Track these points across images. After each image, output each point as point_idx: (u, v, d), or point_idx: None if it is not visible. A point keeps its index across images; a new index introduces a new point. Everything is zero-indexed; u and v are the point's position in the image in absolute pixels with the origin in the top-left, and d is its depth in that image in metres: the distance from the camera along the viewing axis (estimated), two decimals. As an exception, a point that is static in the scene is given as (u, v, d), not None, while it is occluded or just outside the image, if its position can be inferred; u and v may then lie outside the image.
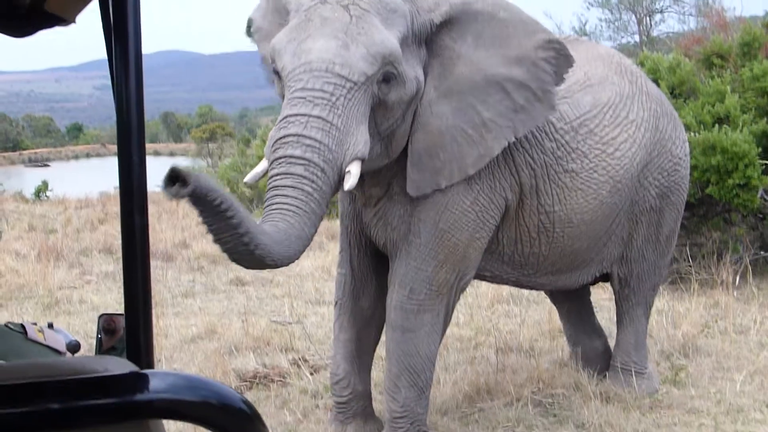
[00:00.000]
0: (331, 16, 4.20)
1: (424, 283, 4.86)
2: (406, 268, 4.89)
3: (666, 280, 9.31)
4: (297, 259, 3.97)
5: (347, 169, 4.11)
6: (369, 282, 5.35)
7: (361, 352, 5.38)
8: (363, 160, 4.17)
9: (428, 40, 4.52)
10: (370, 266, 5.33)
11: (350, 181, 4.11)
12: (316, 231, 4.05)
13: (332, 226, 13.89)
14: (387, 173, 4.74)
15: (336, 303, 5.42)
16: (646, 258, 5.82)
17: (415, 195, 4.66)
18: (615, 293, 6.10)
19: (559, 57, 4.67)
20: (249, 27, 5.23)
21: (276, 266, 3.92)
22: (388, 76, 4.21)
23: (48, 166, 61.24)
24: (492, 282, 5.76)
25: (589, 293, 6.60)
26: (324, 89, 4.07)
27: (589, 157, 5.17)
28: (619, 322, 6.17)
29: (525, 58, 4.60)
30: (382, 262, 5.25)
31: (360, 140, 4.12)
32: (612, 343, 6.43)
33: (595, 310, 6.73)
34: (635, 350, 6.09)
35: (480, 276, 5.41)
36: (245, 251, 3.69)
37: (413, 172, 4.60)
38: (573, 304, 6.44)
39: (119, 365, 1.38)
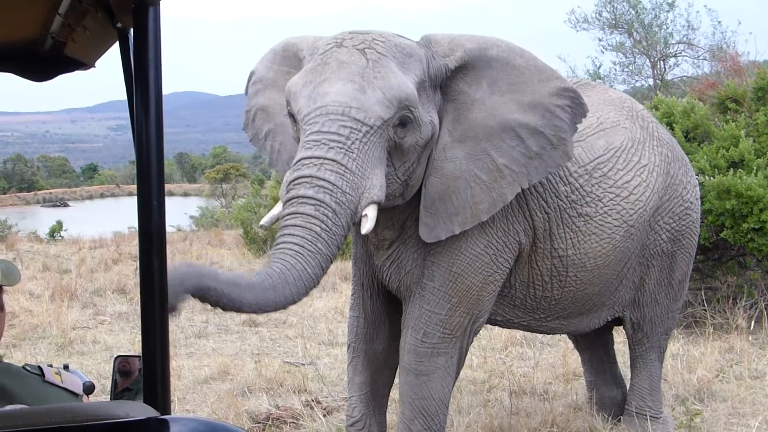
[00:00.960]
0: (347, 60, 4.21)
1: (437, 326, 4.84)
2: (419, 312, 4.87)
3: (681, 324, 9.26)
4: (298, 299, 3.86)
5: (364, 213, 4.10)
6: (382, 325, 5.33)
7: (376, 394, 5.36)
8: (379, 204, 4.17)
9: (443, 84, 4.54)
10: (382, 309, 5.31)
11: (367, 225, 4.11)
12: (323, 271, 3.95)
13: (346, 267, 13.89)
14: (400, 216, 4.75)
15: (349, 346, 5.42)
16: (659, 302, 5.79)
17: (428, 240, 4.64)
18: (628, 337, 6.05)
19: (574, 105, 4.66)
20: (249, 79, 5.21)
21: (263, 312, 3.85)
22: (404, 120, 4.21)
23: (68, 205, 61.57)
24: (503, 327, 5.76)
25: (612, 342, 6.56)
26: (340, 133, 4.07)
27: (603, 201, 5.16)
28: (633, 366, 6.13)
29: (540, 104, 4.59)
30: (394, 304, 5.24)
31: (375, 184, 4.11)
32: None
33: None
34: (650, 395, 6.03)
35: (491, 321, 5.37)
36: (236, 310, 3.69)
37: (426, 216, 4.59)
38: (596, 352, 6.40)
39: (138, 410, 1.38)
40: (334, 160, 4.01)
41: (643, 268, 5.60)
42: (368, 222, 4.11)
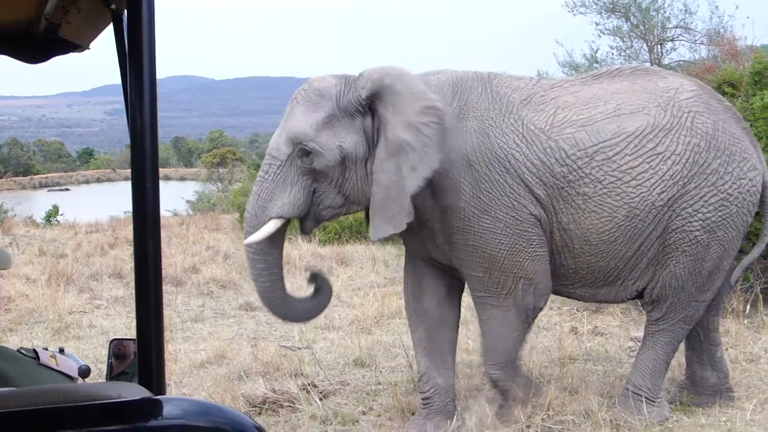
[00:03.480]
0: (286, 110, 5.77)
1: (479, 284, 5.82)
2: (466, 275, 5.91)
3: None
4: (274, 308, 5.89)
5: (264, 226, 5.58)
6: (428, 288, 6.20)
7: (437, 348, 6.16)
8: (282, 217, 5.59)
9: (370, 109, 5.59)
10: (428, 274, 6.20)
11: (256, 235, 5.61)
12: (268, 280, 5.74)
13: (342, 251, 13.93)
14: (423, 210, 5.67)
15: (406, 308, 6.42)
16: (685, 289, 5.89)
17: (375, 239, 5.72)
18: (647, 314, 6.21)
19: (438, 120, 5.42)
20: None
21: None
22: (304, 151, 5.49)
23: (68, 190, 61.50)
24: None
25: (716, 325, 6.54)
26: (264, 168, 5.71)
27: (603, 183, 5.59)
28: (643, 344, 6.28)
29: (411, 124, 5.42)
30: (440, 270, 6.15)
31: (279, 203, 5.56)
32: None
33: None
34: (650, 376, 6.10)
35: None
36: None
37: (374, 218, 5.59)
38: (696, 330, 6.38)
39: (132, 391, 1.38)
40: (255, 192, 5.73)
41: (672, 251, 5.80)
42: (258, 233, 5.59)
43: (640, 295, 6.15)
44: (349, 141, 5.53)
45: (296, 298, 6.06)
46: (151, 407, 1.29)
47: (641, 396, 6.06)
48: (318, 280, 5.99)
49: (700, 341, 6.46)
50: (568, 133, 5.65)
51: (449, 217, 5.66)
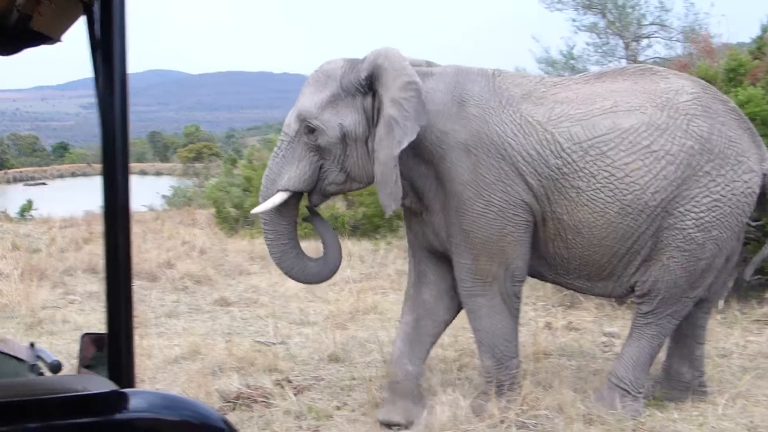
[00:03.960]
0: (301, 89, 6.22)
1: (467, 273, 6.03)
2: (455, 263, 6.13)
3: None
4: (288, 273, 6.43)
5: (273, 197, 6.04)
6: (428, 280, 6.46)
7: (418, 336, 6.42)
8: (288, 190, 6.02)
9: (370, 90, 5.95)
10: (429, 267, 6.46)
11: (264, 205, 6.11)
12: (279, 250, 6.25)
13: (318, 246, 13.88)
14: (418, 190, 6.08)
15: (405, 294, 6.65)
16: (678, 285, 5.98)
17: (388, 214, 6.01)
18: (636, 307, 6.29)
19: (416, 95, 5.73)
20: None
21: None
22: (309, 128, 5.93)
23: (45, 184, 61.02)
24: (540, 279, 6.69)
25: (704, 323, 6.60)
26: (277, 144, 6.24)
27: (596, 177, 5.77)
28: (629, 336, 6.33)
29: (394, 99, 5.75)
30: (441, 264, 6.40)
31: (287, 176, 6.03)
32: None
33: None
34: (634, 368, 6.16)
35: (530, 274, 6.31)
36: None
37: (379, 195, 5.93)
38: (683, 324, 6.41)
39: (99, 384, 1.37)
40: (268, 166, 6.25)
41: (666, 248, 5.90)
42: (269, 203, 6.06)
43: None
44: (350, 120, 5.93)
45: (310, 262, 6.40)
46: (118, 400, 1.28)
47: (623, 388, 6.12)
48: (314, 221, 6.44)
49: (685, 335, 6.52)
50: (565, 126, 5.83)
51: (448, 200, 5.95)
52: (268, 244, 6.30)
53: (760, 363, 7.34)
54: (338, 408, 6.48)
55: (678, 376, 6.52)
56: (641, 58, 18.90)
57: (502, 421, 5.85)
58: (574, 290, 6.71)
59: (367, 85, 5.95)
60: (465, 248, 5.97)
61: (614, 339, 8.17)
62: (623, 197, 5.75)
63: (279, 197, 6.03)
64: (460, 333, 8.45)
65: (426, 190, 6.03)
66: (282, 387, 6.76)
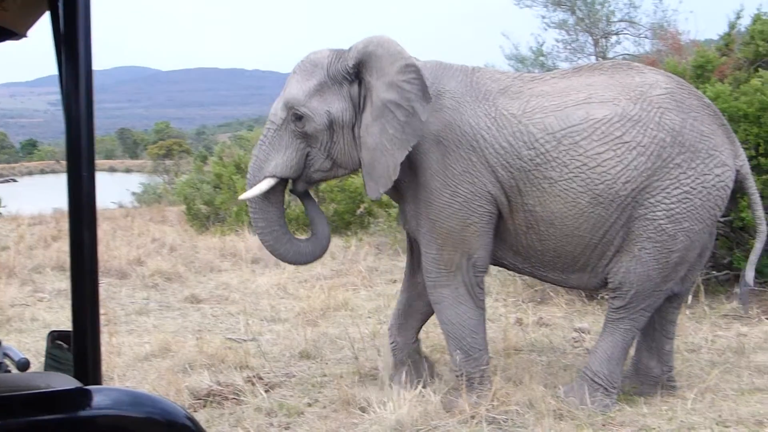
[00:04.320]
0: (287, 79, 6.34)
1: (432, 263, 6.19)
2: (421, 252, 6.34)
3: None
4: (284, 258, 6.54)
5: (258, 184, 6.16)
6: (418, 266, 6.66)
7: (408, 313, 6.80)
8: (275, 176, 6.14)
9: (357, 78, 6.10)
10: (417, 253, 6.63)
11: (251, 191, 6.21)
12: (271, 236, 6.33)
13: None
14: (400, 184, 6.18)
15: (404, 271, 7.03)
16: (651, 277, 6.01)
17: (371, 197, 6.19)
18: (609, 302, 6.33)
19: (417, 76, 5.88)
20: None
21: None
22: (297, 115, 6.06)
23: (16, 181, 60.48)
24: (516, 272, 6.90)
25: (673, 318, 6.64)
26: (263, 132, 6.34)
27: (569, 167, 5.83)
28: (603, 330, 6.37)
29: (393, 83, 5.90)
30: None
31: (274, 163, 6.16)
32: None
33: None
34: (608, 362, 6.20)
35: (502, 264, 6.52)
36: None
37: (366, 180, 6.12)
38: (653, 318, 6.47)
39: (63, 381, 1.36)
40: (254, 154, 6.35)
41: (637, 238, 5.96)
42: (253, 189, 6.18)
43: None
44: (337, 107, 6.08)
45: (301, 243, 6.54)
46: (82, 397, 1.27)
47: (597, 383, 6.17)
48: (303, 200, 6.59)
49: (654, 330, 6.56)
50: (538, 118, 5.92)
51: (418, 190, 6.13)
52: (259, 232, 6.41)
53: (729, 358, 7.39)
54: (309, 405, 6.47)
55: (647, 370, 6.56)
56: (610, 55, 19.01)
57: (472, 417, 5.86)
58: (549, 282, 6.76)
59: (354, 73, 6.10)
60: (431, 238, 6.13)
61: (584, 334, 8.22)
62: (595, 187, 5.82)
63: (266, 183, 6.15)
64: (431, 330, 8.47)
65: (400, 179, 6.09)
66: (253, 384, 6.75)
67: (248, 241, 14.05)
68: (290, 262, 6.71)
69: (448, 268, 6.14)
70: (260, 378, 6.97)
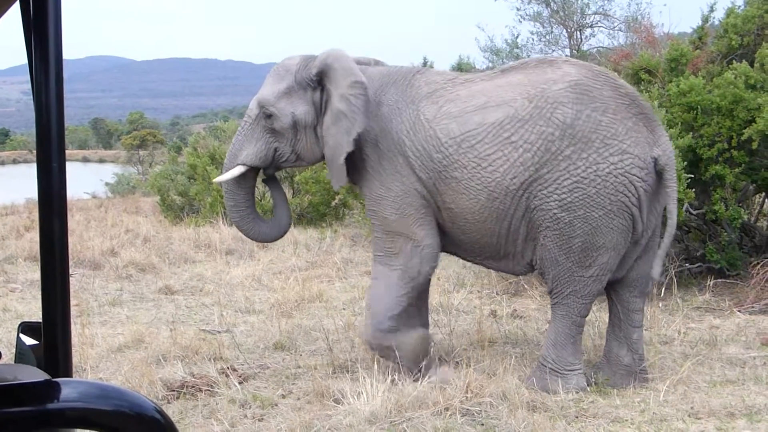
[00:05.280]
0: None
1: (377, 244, 6.86)
2: (372, 238, 7.00)
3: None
4: (246, 233, 7.41)
5: (231, 170, 6.99)
6: None
7: (421, 295, 7.07)
8: (246, 164, 6.93)
9: (320, 84, 6.81)
10: None
11: (223, 176, 7.11)
12: (237, 215, 7.20)
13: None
14: (353, 176, 6.88)
15: None
16: (560, 263, 6.36)
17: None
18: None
19: (363, 92, 6.56)
20: None
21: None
22: (266, 114, 6.85)
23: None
24: (462, 258, 7.30)
25: (638, 307, 6.73)
26: (241, 124, 7.15)
27: (467, 168, 6.37)
28: (551, 319, 6.72)
29: (343, 96, 6.59)
30: None
31: (245, 153, 6.95)
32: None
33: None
34: (553, 348, 6.49)
35: (448, 251, 7.02)
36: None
37: (329, 173, 6.87)
38: (615, 309, 6.84)
39: (31, 374, 1.35)
40: (232, 142, 7.16)
41: (541, 229, 6.35)
42: (227, 174, 7.03)
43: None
44: (301, 110, 6.84)
45: (263, 223, 7.40)
46: (47, 390, 1.26)
47: (546, 367, 6.47)
48: (271, 186, 7.43)
49: (620, 319, 6.70)
50: (444, 123, 6.48)
51: (364, 184, 6.84)
52: (228, 210, 7.39)
53: (701, 350, 7.44)
54: (283, 396, 6.47)
55: (618, 359, 6.65)
56: (584, 48, 19.10)
57: (446, 409, 5.88)
58: (490, 269, 7.38)
59: (317, 81, 6.80)
60: (376, 225, 6.84)
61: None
62: (488, 184, 6.31)
63: (237, 170, 6.97)
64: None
65: (353, 175, 6.87)
66: (227, 375, 6.73)
67: (222, 233, 14.01)
68: (250, 238, 7.59)
69: (391, 251, 6.75)
70: (234, 369, 6.96)
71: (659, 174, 6.29)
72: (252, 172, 7.11)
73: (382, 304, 6.71)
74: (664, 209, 6.44)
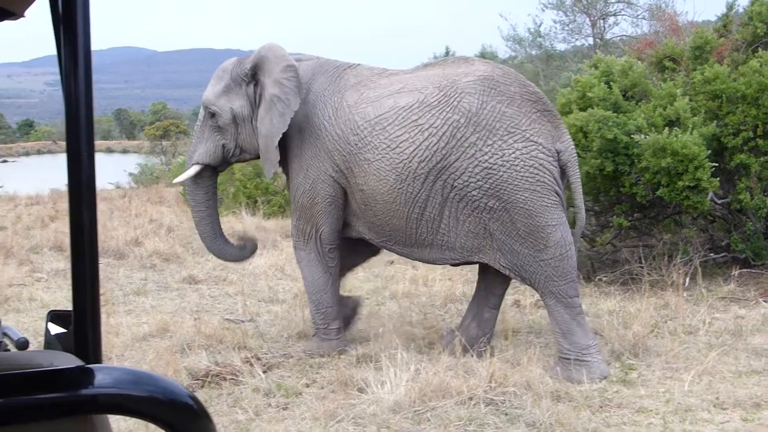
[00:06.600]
0: None
1: (294, 229, 7.41)
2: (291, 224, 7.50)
3: (617, 281, 9.40)
4: (202, 237, 7.84)
5: (188, 170, 7.49)
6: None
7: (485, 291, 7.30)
8: (199, 163, 7.41)
9: (254, 78, 7.29)
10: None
11: (181, 176, 7.65)
12: (197, 215, 7.67)
13: (286, 224, 13.87)
14: (283, 163, 7.30)
15: None
16: (517, 251, 6.52)
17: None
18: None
19: (294, 75, 6.98)
20: None
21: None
22: (210, 113, 7.36)
23: (6, 161, 60.39)
24: (377, 245, 7.44)
25: (500, 292, 7.29)
26: (194, 127, 7.71)
27: (379, 149, 6.69)
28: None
29: (276, 80, 7.02)
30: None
31: (198, 152, 7.44)
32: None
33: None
34: (564, 338, 6.54)
35: (363, 237, 7.25)
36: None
37: (262, 161, 7.29)
38: (481, 284, 7.41)
39: (65, 360, 1.36)
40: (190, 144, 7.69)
41: (483, 222, 6.53)
42: (184, 174, 7.56)
43: (468, 262, 6.97)
44: (238, 104, 7.34)
45: (225, 240, 7.83)
46: (82, 376, 1.27)
47: (569, 358, 6.49)
48: (246, 240, 8.03)
49: (480, 295, 7.34)
50: (362, 107, 6.86)
51: (287, 169, 7.34)
52: (191, 211, 7.88)
53: (726, 340, 7.40)
54: (307, 385, 6.49)
55: (467, 329, 7.22)
56: (608, 36, 18.99)
57: (470, 398, 5.87)
58: (402, 256, 7.41)
59: (251, 75, 7.31)
60: (294, 209, 7.34)
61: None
62: (396, 165, 6.61)
63: (193, 170, 7.45)
64: (428, 311, 8.50)
65: (284, 162, 7.30)
66: (251, 364, 6.76)
67: (246, 222, 14.05)
68: (205, 247, 7.95)
69: (304, 236, 7.29)
70: (258, 358, 6.98)
71: (562, 169, 6.54)
72: (208, 170, 7.55)
73: (315, 286, 7.31)
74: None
